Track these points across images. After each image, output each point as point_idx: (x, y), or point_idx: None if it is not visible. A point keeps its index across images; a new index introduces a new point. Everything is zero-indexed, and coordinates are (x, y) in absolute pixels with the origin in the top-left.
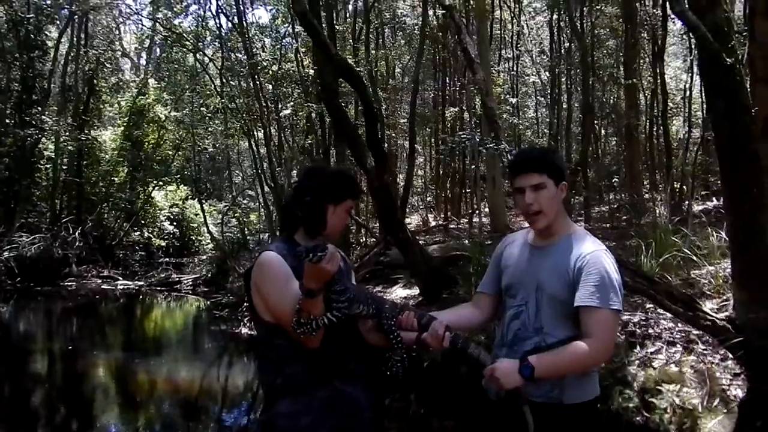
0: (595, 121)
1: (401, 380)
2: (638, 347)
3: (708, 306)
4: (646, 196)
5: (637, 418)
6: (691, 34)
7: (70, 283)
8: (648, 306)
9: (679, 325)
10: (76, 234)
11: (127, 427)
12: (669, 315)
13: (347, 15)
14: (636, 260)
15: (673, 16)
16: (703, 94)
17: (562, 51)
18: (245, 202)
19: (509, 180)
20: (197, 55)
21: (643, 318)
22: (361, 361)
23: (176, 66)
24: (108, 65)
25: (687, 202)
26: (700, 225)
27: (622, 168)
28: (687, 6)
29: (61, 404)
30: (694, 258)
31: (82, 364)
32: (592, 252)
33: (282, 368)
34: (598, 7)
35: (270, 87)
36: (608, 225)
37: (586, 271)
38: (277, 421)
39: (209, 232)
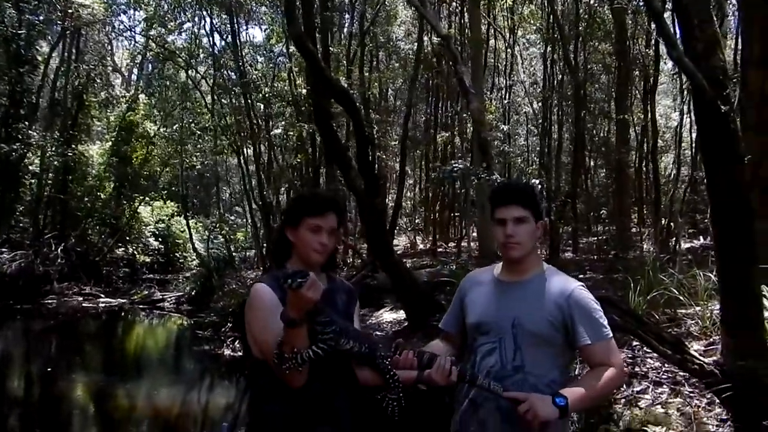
0: (586, 153)
1: (397, 420)
2: (624, 386)
3: (695, 347)
4: (634, 230)
5: None
6: (685, 78)
7: (50, 301)
8: (635, 344)
9: (666, 365)
10: (59, 250)
11: None
12: (656, 354)
13: (342, 37)
14: (624, 295)
15: (665, 56)
16: (694, 135)
17: (555, 83)
18: (233, 219)
19: (491, 210)
20: (189, 72)
21: (630, 356)
22: (348, 400)
23: (167, 82)
24: (98, 80)
25: (674, 240)
26: (687, 264)
27: (611, 200)
28: (684, 52)
29: (38, 429)
30: (681, 298)
31: (61, 387)
32: (575, 289)
33: (261, 406)
34: (591, 43)
35: (261, 106)
36: (595, 257)
37: (581, 308)
38: None
39: (195, 249)
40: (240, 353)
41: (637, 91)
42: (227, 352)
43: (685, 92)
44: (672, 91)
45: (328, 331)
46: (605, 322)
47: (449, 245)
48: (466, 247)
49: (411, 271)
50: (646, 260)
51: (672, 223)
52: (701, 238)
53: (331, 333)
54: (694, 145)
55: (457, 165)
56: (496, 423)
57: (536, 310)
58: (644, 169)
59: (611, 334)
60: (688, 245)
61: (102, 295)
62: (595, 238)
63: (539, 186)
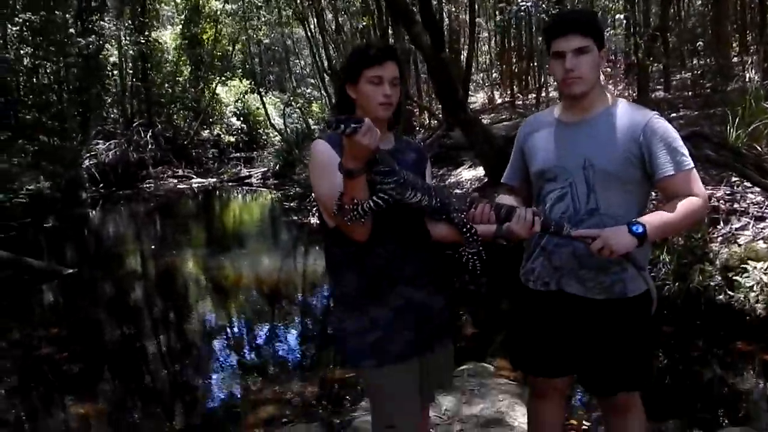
0: None
1: (479, 274)
2: (722, 223)
3: None
4: (735, 59)
5: (720, 297)
6: None
7: (148, 185)
8: (734, 179)
9: None
10: (148, 137)
11: (212, 318)
12: (758, 189)
13: None
14: (721, 130)
15: None
16: None
17: None
18: (308, 91)
19: (546, 44)
20: None
21: (728, 192)
22: (425, 261)
23: None
24: None
25: None
26: None
27: (708, 30)
28: None
29: (150, 300)
30: None
31: (168, 262)
32: (650, 119)
33: (338, 278)
34: None
35: None
36: (690, 93)
37: (658, 139)
38: (345, 340)
39: (272, 124)
40: None
41: None
42: (313, 220)
43: None
44: None
45: (388, 181)
46: (686, 152)
47: (528, 97)
48: (545, 97)
49: (487, 126)
50: (748, 89)
51: None
52: None
53: (393, 183)
54: None
55: (524, 3)
56: (573, 269)
57: (609, 147)
58: None
59: (692, 164)
60: None
61: (194, 176)
62: (690, 74)
63: (623, 20)
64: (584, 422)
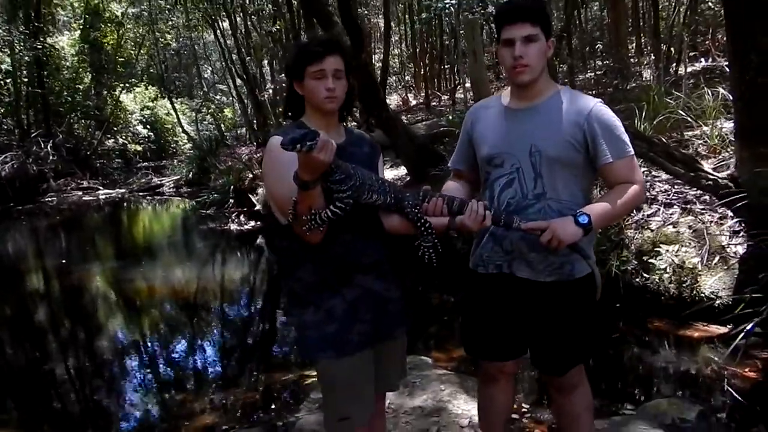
0: None
1: (436, 266)
2: (634, 210)
3: (706, 166)
4: (633, 60)
5: (636, 280)
6: None
7: (50, 199)
8: (643, 169)
9: (676, 186)
10: (48, 148)
11: (133, 332)
12: (665, 177)
13: None
14: (628, 124)
15: None
16: None
17: None
18: (218, 97)
19: (496, 31)
20: None
21: None
22: (380, 251)
23: None
24: None
25: (676, 63)
26: (692, 86)
27: (606, 33)
28: None
29: (64, 317)
30: (689, 119)
31: (79, 277)
32: (594, 106)
33: (293, 271)
34: None
35: None
36: (594, 92)
37: (602, 126)
38: (305, 333)
39: (184, 131)
40: (246, 227)
41: None
42: (234, 227)
43: None
44: None
45: (344, 189)
46: (627, 139)
47: (443, 98)
48: (460, 98)
49: (407, 125)
50: (650, 87)
51: (672, 48)
52: (703, 60)
53: (349, 191)
54: None
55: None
56: (523, 252)
57: (555, 133)
58: None
59: (633, 151)
60: (690, 69)
61: (101, 188)
62: (593, 74)
63: None
64: (523, 405)
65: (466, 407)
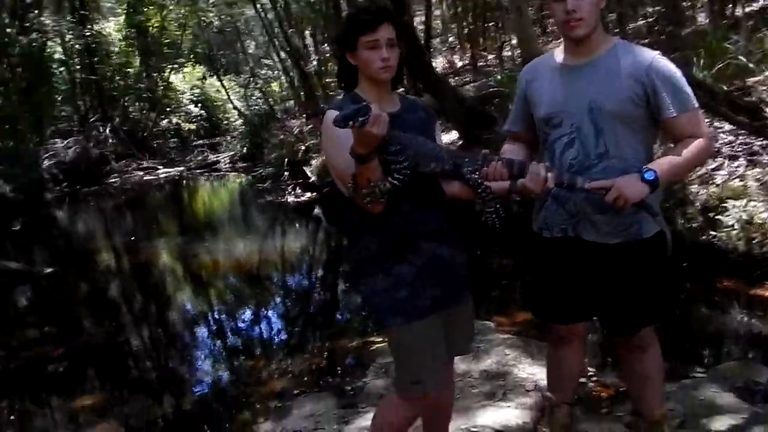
0: None
1: (499, 231)
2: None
3: None
4: (685, 3)
5: (702, 238)
6: None
7: (113, 180)
8: (705, 120)
9: (740, 137)
10: (107, 131)
11: (202, 304)
12: (728, 128)
13: None
14: (686, 72)
15: None
16: None
17: None
18: (264, 72)
19: None
20: None
21: None
22: (443, 217)
23: None
24: None
25: (731, 5)
26: (752, 28)
27: None
28: None
29: (136, 292)
30: (750, 64)
31: (147, 253)
32: (654, 59)
33: (357, 241)
34: None
35: None
36: (647, 40)
37: (663, 79)
38: (374, 300)
39: (235, 107)
40: (302, 198)
41: None
42: (290, 199)
43: None
44: None
45: (401, 160)
46: (690, 92)
47: (489, 58)
48: (507, 56)
49: (455, 87)
50: (706, 31)
51: None
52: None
53: (406, 161)
54: None
55: None
56: (588, 214)
57: (614, 88)
58: None
59: (697, 104)
60: (749, 8)
61: (160, 167)
62: (644, 21)
63: None
64: (589, 368)
65: (531, 371)
